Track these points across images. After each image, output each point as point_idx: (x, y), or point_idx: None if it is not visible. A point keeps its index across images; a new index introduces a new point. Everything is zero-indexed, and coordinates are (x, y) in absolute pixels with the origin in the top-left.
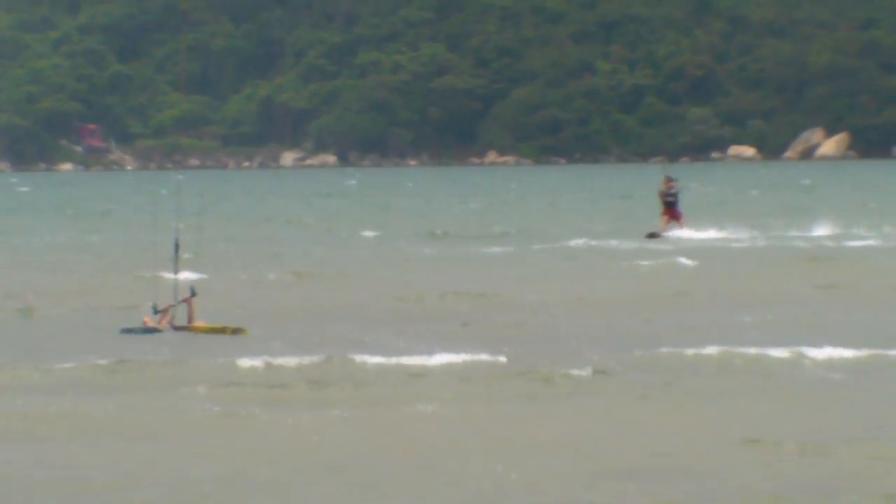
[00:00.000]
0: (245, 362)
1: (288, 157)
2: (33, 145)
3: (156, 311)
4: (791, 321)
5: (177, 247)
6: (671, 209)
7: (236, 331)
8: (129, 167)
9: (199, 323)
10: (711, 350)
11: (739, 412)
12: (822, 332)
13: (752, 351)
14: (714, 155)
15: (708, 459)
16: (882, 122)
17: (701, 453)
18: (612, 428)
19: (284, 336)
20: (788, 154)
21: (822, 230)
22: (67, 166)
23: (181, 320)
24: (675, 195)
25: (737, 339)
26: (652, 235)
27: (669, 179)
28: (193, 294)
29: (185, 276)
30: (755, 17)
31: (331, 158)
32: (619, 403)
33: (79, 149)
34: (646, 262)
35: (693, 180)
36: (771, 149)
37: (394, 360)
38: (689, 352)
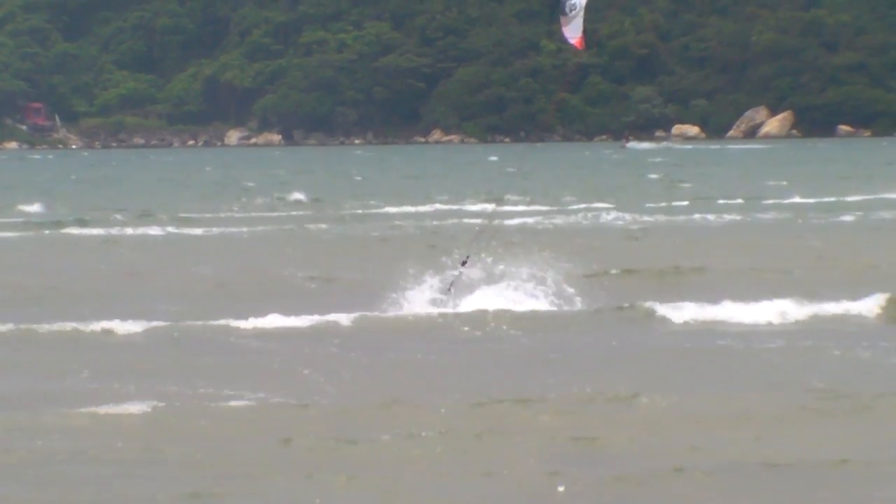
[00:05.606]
0: None
1: (233, 136)
2: None
3: None
4: None
5: None
6: None
7: None
8: (74, 146)
9: None
10: None
11: None
12: None
13: None
14: (658, 133)
15: None
16: (825, 102)
17: None
18: None
19: None
20: (732, 133)
21: None
22: (12, 145)
23: None
24: None
25: None
26: None
27: None
28: None
29: None
30: None
31: (276, 137)
32: None
33: (24, 127)
34: None
35: None
36: (714, 128)
37: None
38: None
